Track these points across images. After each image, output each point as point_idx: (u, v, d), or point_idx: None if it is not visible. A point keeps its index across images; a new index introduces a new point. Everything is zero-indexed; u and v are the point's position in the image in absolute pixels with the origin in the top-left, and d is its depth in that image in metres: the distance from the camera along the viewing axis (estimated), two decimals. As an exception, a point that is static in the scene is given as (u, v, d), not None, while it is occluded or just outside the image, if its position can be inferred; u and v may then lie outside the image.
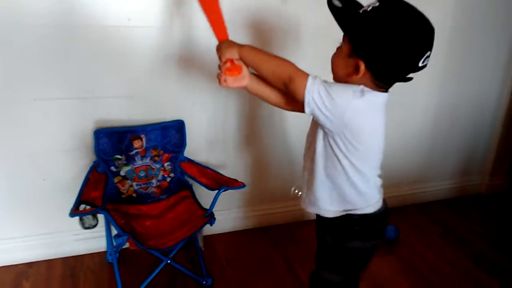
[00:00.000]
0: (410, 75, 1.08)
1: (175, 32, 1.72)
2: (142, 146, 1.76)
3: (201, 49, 1.77)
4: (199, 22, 1.72)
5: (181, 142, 1.83)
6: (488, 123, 2.55)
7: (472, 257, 2.06)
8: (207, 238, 2.03)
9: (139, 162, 1.77)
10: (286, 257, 1.99)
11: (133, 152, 1.76)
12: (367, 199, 1.16)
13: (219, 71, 1.18)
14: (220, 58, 1.17)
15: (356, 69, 1.02)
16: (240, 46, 1.15)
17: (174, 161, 1.83)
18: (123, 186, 1.77)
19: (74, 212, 1.47)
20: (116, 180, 1.75)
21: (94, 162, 1.74)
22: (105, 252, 1.93)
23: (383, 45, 0.96)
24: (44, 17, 1.55)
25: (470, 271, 1.96)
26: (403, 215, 2.41)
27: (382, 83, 1.05)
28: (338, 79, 1.09)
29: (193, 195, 1.83)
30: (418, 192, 2.53)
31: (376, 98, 1.06)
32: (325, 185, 1.14)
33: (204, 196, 1.78)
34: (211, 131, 1.94)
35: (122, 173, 1.76)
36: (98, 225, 1.67)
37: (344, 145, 1.05)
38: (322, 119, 1.01)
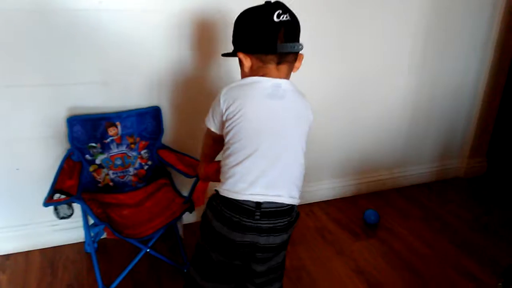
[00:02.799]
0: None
1: (148, 15, 1.68)
2: (118, 134, 1.73)
3: (176, 33, 1.73)
4: (173, 4, 1.70)
5: (158, 129, 1.80)
6: (466, 107, 2.57)
7: (451, 239, 2.09)
8: (188, 226, 2.02)
9: (115, 150, 1.74)
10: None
11: (108, 140, 1.72)
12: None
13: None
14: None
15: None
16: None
17: (152, 148, 1.80)
18: (99, 175, 1.74)
19: (48, 201, 1.44)
20: (91, 168, 1.72)
21: (68, 150, 1.69)
22: (84, 242, 1.91)
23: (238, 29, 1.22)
24: (12, 2, 1.50)
25: (449, 253, 1.99)
26: (383, 199, 2.43)
27: (263, 53, 1.16)
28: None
29: (171, 183, 1.81)
30: (397, 176, 2.55)
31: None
32: None
33: (185, 183, 1.76)
34: (189, 117, 1.91)
35: (97, 161, 1.72)
36: (75, 215, 1.64)
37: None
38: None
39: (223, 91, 1.17)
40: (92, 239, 1.70)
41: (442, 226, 2.20)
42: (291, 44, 1.16)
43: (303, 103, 1.22)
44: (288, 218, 1.18)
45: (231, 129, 1.14)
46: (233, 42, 1.24)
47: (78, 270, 1.78)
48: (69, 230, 1.91)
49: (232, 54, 1.24)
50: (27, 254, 1.86)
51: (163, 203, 1.73)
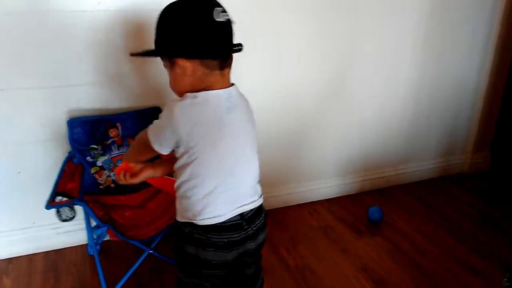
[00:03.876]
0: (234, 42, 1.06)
1: (146, 14, 1.67)
2: (118, 135, 1.72)
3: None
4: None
5: (159, 129, 1.79)
6: (469, 102, 2.55)
7: (456, 235, 2.07)
8: (191, 226, 2.01)
9: (116, 152, 1.73)
10: (272, 241, 1.98)
11: (109, 142, 1.71)
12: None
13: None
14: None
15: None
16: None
17: (153, 149, 1.79)
18: (100, 177, 1.73)
19: (50, 204, 1.44)
20: (93, 170, 1.71)
21: (69, 152, 1.69)
22: (86, 244, 1.90)
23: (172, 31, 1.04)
24: (9, 4, 1.49)
25: (454, 249, 1.97)
26: (387, 196, 2.42)
27: (210, 58, 1.03)
28: (177, 92, 1.10)
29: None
30: (401, 173, 2.53)
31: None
32: None
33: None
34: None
35: (98, 163, 1.71)
36: (77, 218, 1.63)
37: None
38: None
39: (177, 114, 1.00)
40: (95, 241, 1.70)
41: (446, 222, 2.19)
42: (236, 43, 1.06)
43: (248, 107, 1.15)
44: (263, 212, 1.19)
45: (191, 161, 1.03)
46: (164, 44, 1.05)
47: (81, 273, 1.77)
48: (72, 232, 1.90)
49: (154, 55, 1.10)
50: (30, 257, 1.86)
51: (165, 204, 1.72)
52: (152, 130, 1.07)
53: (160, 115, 1.06)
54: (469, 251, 1.96)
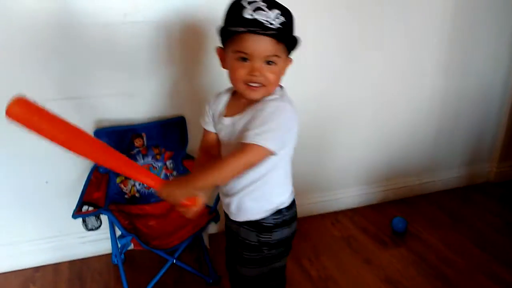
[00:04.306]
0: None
1: (173, 27, 1.70)
2: (144, 145, 1.75)
3: (199, 44, 1.74)
4: (201, 16, 1.71)
5: (183, 139, 1.81)
6: (495, 109, 2.50)
7: (482, 245, 2.02)
8: (213, 236, 2.01)
9: (140, 161, 1.75)
10: (294, 252, 1.96)
11: (135, 151, 1.74)
12: None
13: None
14: (173, 202, 1.04)
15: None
16: (187, 181, 1.05)
17: (176, 158, 1.81)
18: (125, 186, 1.75)
19: (77, 213, 1.46)
20: (118, 180, 1.73)
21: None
22: (111, 254, 1.92)
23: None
24: (39, 18, 1.54)
25: (480, 259, 1.93)
26: (412, 206, 2.38)
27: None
28: (271, 91, 1.08)
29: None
30: (425, 182, 2.49)
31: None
32: None
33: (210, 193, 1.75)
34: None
35: (124, 173, 1.74)
36: (102, 227, 1.65)
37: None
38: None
39: (295, 113, 1.07)
40: (119, 250, 1.72)
41: (472, 232, 2.14)
42: None
43: None
44: None
45: (289, 142, 1.11)
46: (294, 39, 1.05)
47: (105, 282, 1.79)
48: (97, 242, 1.93)
49: (293, 43, 1.06)
50: (56, 266, 1.89)
51: (189, 214, 1.73)
52: (272, 138, 1.00)
53: (267, 118, 1.02)
54: (496, 261, 1.91)
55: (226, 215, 1.25)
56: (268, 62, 1.02)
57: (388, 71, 2.15)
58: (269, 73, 1.02)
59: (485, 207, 2.38)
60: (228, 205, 1.19)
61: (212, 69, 1.81)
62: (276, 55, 1.02)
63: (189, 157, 1.84)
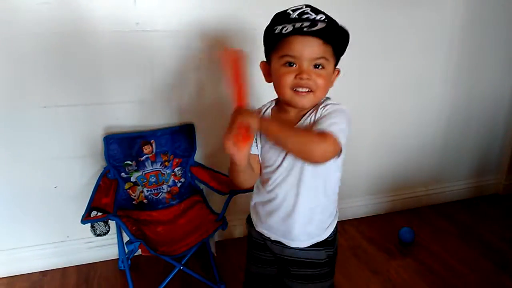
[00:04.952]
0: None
1: (183, 36, 1.72)
2: (152, 151, 1.76)
3: (209, 53, 1.76)
4: (210, 26, 1.72)
5: (191, 146, 1.82)
6: (503, 119, 2.49)
7: (490, 257, 2.00)
8: (220, 243, 2.01)
9: (149, 168, 1.77)
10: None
11: (143, 158, 1.75)
12: None
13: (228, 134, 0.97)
14: (234, 120, 0.96)
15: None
16: (258, 118, 0.96)
17: (185, 165, 1.82)
18: (134, 192, 1.76)
19: (86, 219, 1.46)
20: (127, 186, 1.74)
21: (104, 168, 1.73)
22: (118, 259, 1.93)
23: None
24: (52, 25, 1.56)
25: (490, 273, 1.91)
26: (419, 216, 2.37)
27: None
28: (320, 99, 1.05)
29: (204, 200, 1.81)
30: (433, 193, 2.48)
31: None
32: None
33: (218, 201, 1.76)
34: (222, 134, 1.92)
35: (132, 179, 1.75)
36: (110, 232, 1.66)
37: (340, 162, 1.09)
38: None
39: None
40: (127, 256, 1.72)
41: (480, 244, 2.12)
42: None
43: None
44: None
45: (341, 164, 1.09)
46: (342, 45, 1.04)
47: (112, 287, 1.79)
48: (104, 247, 1.93)
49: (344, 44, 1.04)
50: (63, 270, 1.89)
51: (197, 221, 1.73)
52: (343, 134, 0.97)
53: (332, 115, 0.99)
54: (504, 273, 1.89)
55: (268, 244, 1.17)
56: (316, 66, 0.99)
57: (395, 81, 2.15)
58: (317, 77, 0.99)
59: (493, 219, 2.36)
60: (286, 236, 1.12)
61: (221, 78, 1.83)
62: (324, 57, 0.99)
63: (197, 164, 1.85)
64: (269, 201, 1.11)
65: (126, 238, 1.60)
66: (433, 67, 2.20)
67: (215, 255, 1.84)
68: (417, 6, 2.03)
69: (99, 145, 1.74)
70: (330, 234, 1.15)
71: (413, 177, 2.40)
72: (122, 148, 1.71)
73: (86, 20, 1.59)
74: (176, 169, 1.81)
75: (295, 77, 0.98)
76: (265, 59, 1.09)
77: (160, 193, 1.80)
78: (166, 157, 1.78)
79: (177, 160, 1.80)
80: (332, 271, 1.21)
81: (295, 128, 1.03)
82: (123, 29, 1.63)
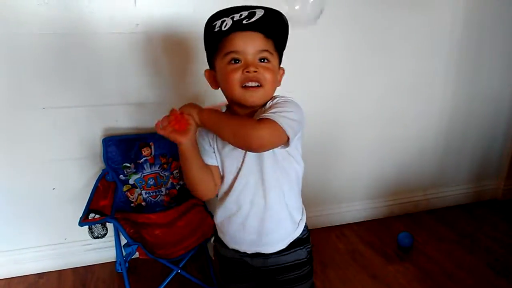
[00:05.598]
0: None
1: (184, 37, 1.72)
2: (151, 154, 1.75)
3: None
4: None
5: (190, 149, 1.81)
6: (503, 125, 2.49)
7: (490, 263, 2.00)
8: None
9: (148, 170, 1.76)
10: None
11: (142, 160, 1.74)
12: None
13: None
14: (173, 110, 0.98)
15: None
16: (200, 108, 0.99)
17: (183, 168, 1.81)
18: (132, 195, 1.75)
19: (84, 221, 1.46)
20: (125, 188, 1.74)
21: (103, 170, 1.73)
22: (115, 262, 1.92)
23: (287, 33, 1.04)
24: (51, 26, 1.56)
25: (488, 278, 1.90)
26: (418, 221, 2.36)
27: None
28: (270, 95, 1.02)
29: (202, 203, 1.81)
30: (432, 198, 2.48)
31: None
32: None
33: (216, 203, 1.74)
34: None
35: (131, 181, 1.74)
36: (107, 235, 1.65)
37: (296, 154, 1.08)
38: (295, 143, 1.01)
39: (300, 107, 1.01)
40: (124, 258, 1.71)
41: (478, 249, 2.12)
42: None
43: None
44: None
45: (300, 138, 1.05)
46: (282, 38, 1.03)
47: (109, 290, 1.79)
48: (101, 249, 1.93)
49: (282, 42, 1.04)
50: (59, 273, 1.88)
51: (194, 224, 1.73)
52: (287, 121, 0.93)
53: (280, 105, 0.97)
54: (502, 278, 1.88)
55: (247, 261, 1.14)
56: (261, 60, 0.98)
57: (395, 86, 2.15)
58: (264, 70, 0.97)
59: (492, 224, 2.36)
60: (263, 242, 1.10)
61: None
62: (267, 51, 0.98)
63: (196, 167, 1.84)
64: (238, 210, 1.07)
65: (124, 240, 1.60)
66: (433, 70, 2.20)
67: (213, 258, 1.83)
68: (417, 9, 2.04)
69: (98, 147, 1.74)
70: (304, 229, 1.15)
71: (412, 182, 2.39)
72: (120, 150, 1.71)
73: (86, 21, 1.59)
74: (175, 172, 1.81)
75: (242, 72, 0.96)
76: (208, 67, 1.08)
77: (159, 196, 1.80)
78: (165, 160, 1.78)
79: (176, 162, 1.80)
80: (312, 269, 1.21)
81: (234, 116, 1.02)
82: (122, 31, 1.63)
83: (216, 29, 0.97)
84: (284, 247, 1.11)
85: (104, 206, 1.60)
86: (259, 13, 0.96)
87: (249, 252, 1.12)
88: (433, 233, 2.26)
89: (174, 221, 1.76)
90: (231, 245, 1.13)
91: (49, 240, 1.86)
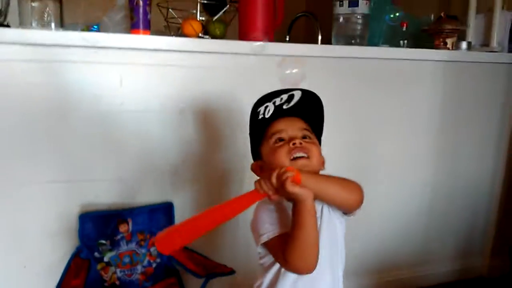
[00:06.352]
0: None
1: (168, 116, 1.75)
2: (128, 230, 1.71)
3: (192, 131, 1.79)
4: (194, 103, 1.76)
5: (169, 225, 1.78)
6: (484, 202, 2.51)
7: None
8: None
9: (124, 247, 1.71)
10: None
11: (119, 237, 1.69)
12: None
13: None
14: (267, 172, 0.95)
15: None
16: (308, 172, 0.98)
17: (161, 245, 1.76)
18: (106, 273, 1.68)
19: (52, 303, 1.39)
20: (99, 266, 1.67)
21: (77, 248, 1.66)
22: None
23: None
24: (34, 101, 1.57)
25: None
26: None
27: None
28: (317, 170, 1.08)
29: (179, 283, 1.74)
30: (418, 276, 2.41)
31: None
32: None
33: (194, 283, 1.68)
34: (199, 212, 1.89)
35: (105, 259, 1.68)
36: (77, 316, 1.57)
37: None
38: None
39: None
40: None
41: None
42: None
43: None
44: None
45: None
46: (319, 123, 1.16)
47: None
48: (71, 331, 1.81)
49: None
50: None
51: (170, 305, 1.65)
52: None
53: None
54: None
55: None
56: (304, 137, 1.05)
57: (376, 161, 2.18)
58: (309, 144, 1.03)
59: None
60: None
61: (202, 155, 1.84)
62: (308, 130, 1.07)
63: (175, 244, 1.79)
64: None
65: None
66: (413, 153, 2.25)
67: None
68: (393, 94, 2.13)
69: (74, 223, 1.68)
70: None
71: (397, 259, 2.34)
72: (97, 227, 1.66)
73: (71, 98, 1.62)
74: (152, 249, 1.75)
75: (289, 145, 1.01)
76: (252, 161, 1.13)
77: (134, 274, 1.73)
78: (142, 236, 1.74)
79: (154, 239, 1.75)
80: None
81: (327, 175, 1.04)
82: (107, 109, 1.66)
83: (260, 117, 1.06)
84: None
85: (76, 286, 1.53)
86: (297, 96, 1.06)
87: None
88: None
89: (149, 302, 1.69)
90: None
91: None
